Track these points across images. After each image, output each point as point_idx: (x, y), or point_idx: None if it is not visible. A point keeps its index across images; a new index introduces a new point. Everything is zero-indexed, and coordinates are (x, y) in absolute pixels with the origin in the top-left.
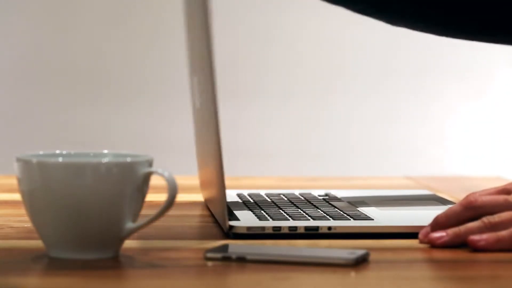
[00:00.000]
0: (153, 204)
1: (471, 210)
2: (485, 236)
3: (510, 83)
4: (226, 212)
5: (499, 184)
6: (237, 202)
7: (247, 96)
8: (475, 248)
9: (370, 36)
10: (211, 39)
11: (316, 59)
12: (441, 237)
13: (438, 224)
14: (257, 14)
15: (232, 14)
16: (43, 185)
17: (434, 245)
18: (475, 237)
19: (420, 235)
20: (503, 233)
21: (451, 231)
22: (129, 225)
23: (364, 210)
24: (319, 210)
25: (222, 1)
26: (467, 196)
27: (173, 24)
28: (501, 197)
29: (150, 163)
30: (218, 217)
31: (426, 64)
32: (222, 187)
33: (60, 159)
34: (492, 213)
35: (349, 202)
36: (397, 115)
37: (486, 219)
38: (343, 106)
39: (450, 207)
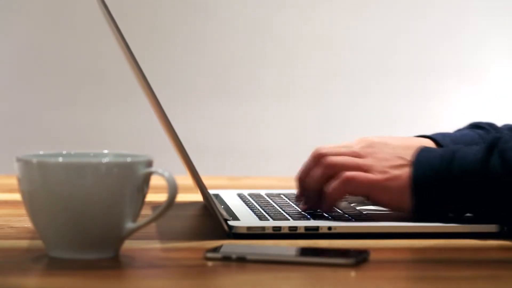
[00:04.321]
0: (153, 204)
1: (328, 169)
2: (323, 206)
3: (509, 83)
4: (215, 205)
5: None
6: (237, 202)
7: (247, 96)
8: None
9: (368, 35)
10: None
11: (315, 59)
12: (301, 205)
13: (300, 185)
14: (254, 13)
15: (230, 13)
16: (43, 185)
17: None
18: (308, 207)
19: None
20: (335, 182)
21: (304, 199)
22: (129, 225)
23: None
24: (319, 210)
25: (219, 0)
26: (319, 154)
27: (173, 24)
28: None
29: (150, 163)
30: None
31: (425, 63)
32: (201, 184)
33: (60, 159)
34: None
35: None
36: (395, 114)
37: (326, 159)
38: (342, 105)
39: (305, 165)
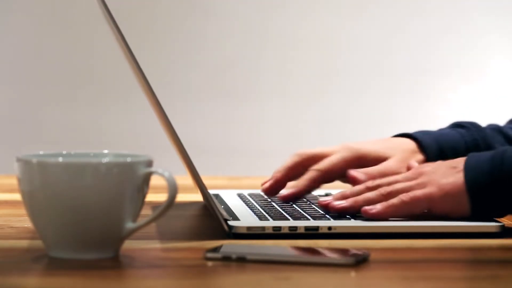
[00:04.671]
0: (153, 204)
1: (384, 196)
2: (378, 205)
3: (508, 82)
4: (215, 205)
5: None
6: (237, 202)
7: (247, 96)
8: (369, 217)
9: (367, 35)
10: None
11: (315, 59)
12: (341, 203)
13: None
14: (254, 13)
15: (229, 13)
16: (43, 185)
17: (334, 210)
18: (368, 207)
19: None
20: (393, 200)
21: (351, 199)
22: (129, 225)
23: None
24: (319, 210)
25: (218, 0)
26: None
27: (173, 24)
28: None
29: (150, 163)
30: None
31: (423, 62)
32: (201, 184)
33: (60, 159)
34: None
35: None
36: (394, 114)
37: (382, 189)
38: (342, 105)
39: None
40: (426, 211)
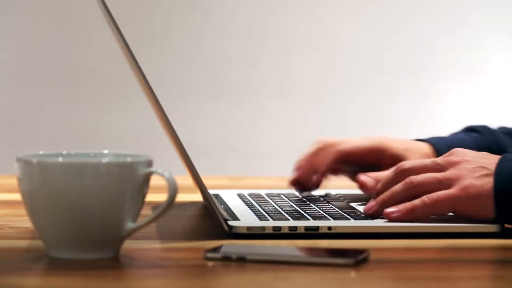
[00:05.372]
0: (153, 204)
1: (410, 190)
2: (400, 206)
3: (508, 82)
4: (215, 205)
5: None
6: (237, 202)
7: (247, 96)
8: (391, 220)
9: (367, 35)
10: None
11: (315, 59)
12: (394, 211)
13: (378, 195)
14: (253, 13)
15: (229, 13)
16: (43, 185)
17: (389, 218)
18: (389, 210)
19: (366, 209)
20: (416, 202)
21: (403, 207)
22: (129, 225)
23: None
24: (319, 210)
25: (218, 0)
26: (402, 170)
27: (173, 24)
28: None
29: (150, 163)
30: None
31: (423, 62)
32: (201, 184)
33: (60, 159)
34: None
35: (349, 202)
36: (393, 114)
37: (409, 181)
38: (342, 105)
39: (387, 178)
40: (450, 213)
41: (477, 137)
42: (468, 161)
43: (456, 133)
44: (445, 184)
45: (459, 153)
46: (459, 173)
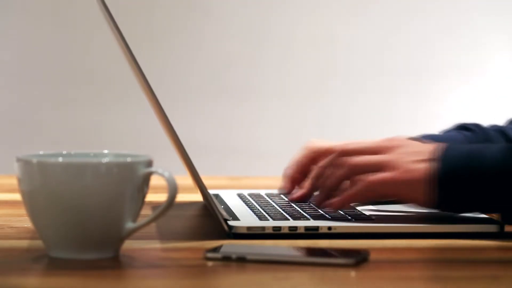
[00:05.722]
0: (153, 204)
1: (345, 172)
2: (336, 196)
3: (507, 82)
4: (215, 205)
5: None
6: (237, 202)
7: (247, 96)
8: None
9: (367, 35)
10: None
11: (314, 59)
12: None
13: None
14: (253, 13)
15: (229, 13)
16: (43, 185)
17: (331, 207)
18: (327, 202)
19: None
20: (349, 186)
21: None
22: (129, 225)
23: (364, 210)
24: (319, 210)
25: (218, 0)
26: (338, 152)
27: (172, 24)
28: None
29: (150, 163)
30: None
31: (423, 62)
32: (201, 184)
33: (60, 159)
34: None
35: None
36: (393, 114)
37: (347, 165)
38: (342, 105)
39: (324, 161)
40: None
41: (469, 135)
42: (404, 146)
43: (447, 131)
44: (379, 167)
45: (398, 139)
46: (394, 157)
